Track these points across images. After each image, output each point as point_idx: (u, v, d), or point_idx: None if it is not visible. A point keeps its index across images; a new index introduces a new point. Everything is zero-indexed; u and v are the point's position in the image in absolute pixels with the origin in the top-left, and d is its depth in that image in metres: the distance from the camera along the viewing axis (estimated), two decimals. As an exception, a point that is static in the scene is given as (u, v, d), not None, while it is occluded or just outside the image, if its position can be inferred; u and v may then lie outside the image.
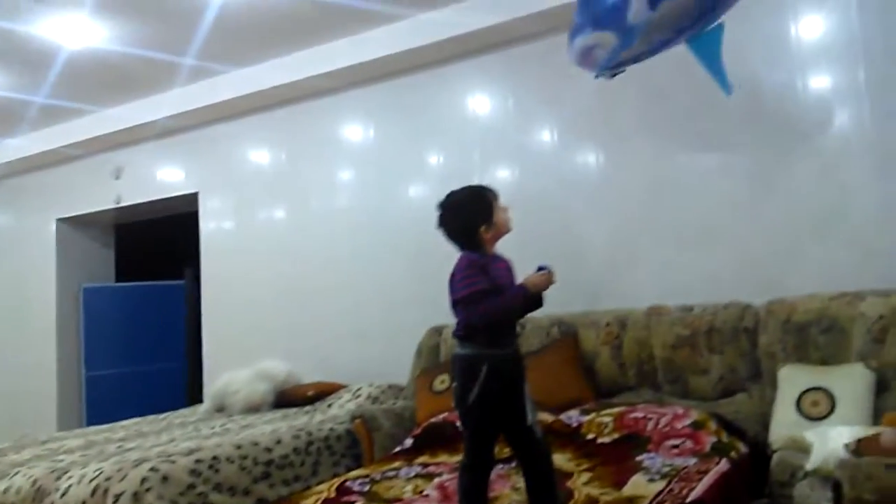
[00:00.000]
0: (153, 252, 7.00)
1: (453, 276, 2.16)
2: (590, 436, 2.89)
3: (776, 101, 3.39)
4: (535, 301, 2.22)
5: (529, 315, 3.60)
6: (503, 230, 2.24)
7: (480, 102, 4.29)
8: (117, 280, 6.89)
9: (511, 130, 4.15)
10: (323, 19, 4.10)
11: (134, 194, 5.86)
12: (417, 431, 3.31)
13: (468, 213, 2.19)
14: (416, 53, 4.25)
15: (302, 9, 3.90)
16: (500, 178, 4.14)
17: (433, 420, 3.30)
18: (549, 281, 2.18)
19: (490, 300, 2.08)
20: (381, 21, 4.16)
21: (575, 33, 2.71)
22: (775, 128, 3.39)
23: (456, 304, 2.14)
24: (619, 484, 2.40)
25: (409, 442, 3.24)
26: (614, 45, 2.57)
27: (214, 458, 3.01)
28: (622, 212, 3.78)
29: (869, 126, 3.19)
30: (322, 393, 4.35)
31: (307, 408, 4.24)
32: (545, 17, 3.71)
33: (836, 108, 3.27)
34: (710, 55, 2.72)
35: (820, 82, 3.32)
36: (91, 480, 2.78)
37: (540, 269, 2.20)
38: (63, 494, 2.80)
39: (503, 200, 2.31)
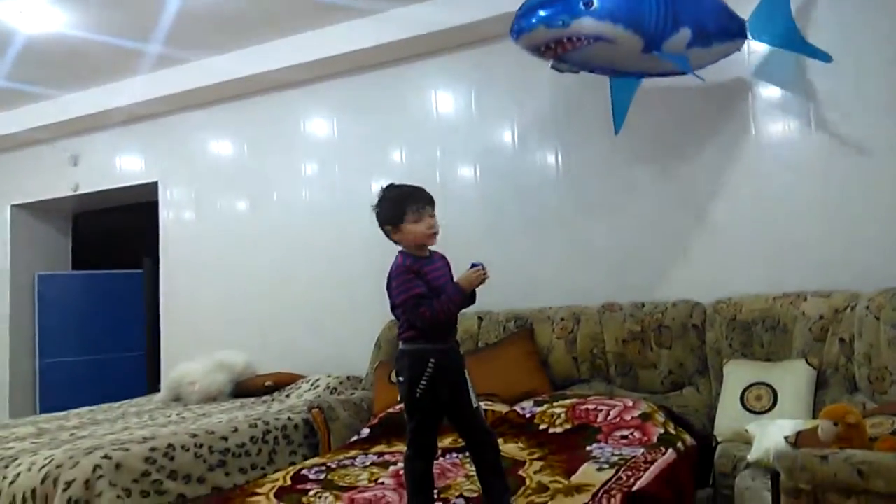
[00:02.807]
0: (112, 241, 6.89)
1: (389, 280, 2.20)
2: (542, 426, 2.96)
3: (726, 106, 3.50)
4: (469, 298, 2.23)
5: (487, 310, 3.72)
6: (414, 240, 2.19)
7: (444, 100, 4.33)
8: (74, 268, 6.76)
9: (473, 129, 4.20)
10: (289, 12, 4.09)
11: (92, 182, 5.77)
12: (374, 421, 3.34)
13: (381, 209, 2.22)
14: (381, 50, 4.27)
15: (268, 0, 3.89)
16: (460, 175, 4.20)
17: (390, 410, 3.33)
18: (482, 278, 2.19)
19: (430, 304, 2.12)
20: (347, 16, 4.17)
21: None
22: (728, 132, 3.51)
23: (395, 308, 2.19)
24: (570, 472, 2.45)
25: (365, 432, 3.26)
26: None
27: (169, 445, 2.99)
28: (579, 211, 3.86)
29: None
30: (280, 384, 4.36)
31: (265, 398, 4.25)
32: (510, 18, 3.77)
33: (782, 111, 3.40)
34: (622, 97, 3.27)
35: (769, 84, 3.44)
36: (41, 468, 2.73)
37: (473, 265, 2.22)
38: (11, 483, 2.74)
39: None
